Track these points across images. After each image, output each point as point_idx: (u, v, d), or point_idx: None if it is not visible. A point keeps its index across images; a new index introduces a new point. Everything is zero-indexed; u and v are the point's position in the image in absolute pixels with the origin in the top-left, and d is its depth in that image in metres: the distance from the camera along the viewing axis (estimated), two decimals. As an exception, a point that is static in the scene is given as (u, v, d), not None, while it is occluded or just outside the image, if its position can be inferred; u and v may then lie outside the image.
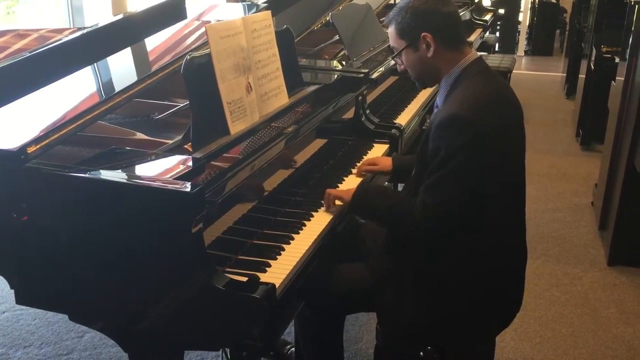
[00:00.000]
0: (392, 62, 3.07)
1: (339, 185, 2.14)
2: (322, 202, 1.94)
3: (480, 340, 1.81)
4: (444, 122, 1.63)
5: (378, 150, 2.50)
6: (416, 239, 1.73)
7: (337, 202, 1.92)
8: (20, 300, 1.60)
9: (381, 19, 4.10)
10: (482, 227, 1.69)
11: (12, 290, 1.61)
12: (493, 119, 1.64)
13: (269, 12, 2.06)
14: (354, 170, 2.25)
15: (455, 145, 1.60)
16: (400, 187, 3.45)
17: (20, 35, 2.49)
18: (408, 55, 1.80)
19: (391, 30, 1.81)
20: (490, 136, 1.62)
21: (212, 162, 1.66)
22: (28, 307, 2.34)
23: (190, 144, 1.70)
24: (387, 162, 2.22)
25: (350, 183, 2.15)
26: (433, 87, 3.53)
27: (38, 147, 1.54)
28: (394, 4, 4.92)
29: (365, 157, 2.41)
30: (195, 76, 1.72)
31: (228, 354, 1.98)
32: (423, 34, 1.72)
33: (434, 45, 1.73)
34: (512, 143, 1.73)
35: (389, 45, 3.33)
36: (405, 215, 1.70)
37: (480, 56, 1.79)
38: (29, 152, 1.51)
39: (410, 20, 1.74)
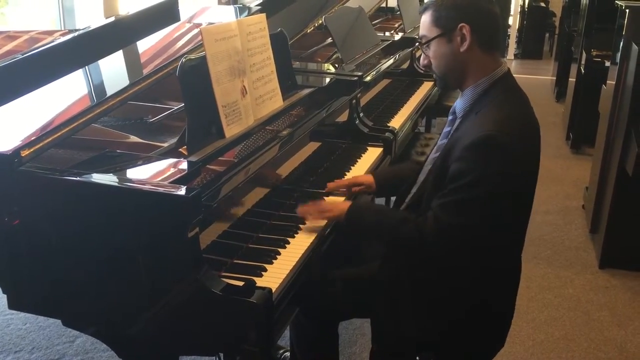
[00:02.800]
0: (386, 65, 3.09)
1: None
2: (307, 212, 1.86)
3: (475, 350, 1.79)
4: (478, 143, 1.52)
5: (372, 154, 2.49)
6: (418, 255, 1.69)
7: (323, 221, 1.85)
8: (12, 305, 1.59)
9: (373, 22, 4.10)
10: (488, 247, 1.63)
11: (4, 295, 1.59)
12: (526, 145, 1.58)
13: (263, 15, 2.05)
14: (328, 187, 2.10)
15: (487, 170, 1.52)
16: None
17: (11, 36, 2.47)
18: (439, 46, 1.68)
19: (425, 18, 1.70)
20: (522, 164, 1.56)
21: (208, 166, 1.65)
22: (19, 312, 2.32)
23: (185, 147, 1.69)
24: (369, 180, 2.08)
25: (338, 196, 2.10)
26: (427, 91, 3.57)
27: (31, 150, 1.52)
28: (386, 7, 4.95)
29: (356, 164, 2.39)
30: (190, 79, 1.71)
31: (221, 358, 1.97)
32: (461, 24, 1.62)
33: (470, 39, 1.62)
34: (535, 167, 1.68)
35: (383, 48, 3.37)
36: (413, 234, 1.62)
37: (509, 69, 1.71)
38: (23, 155, 1.50)
39: (451, 8, 1.64)
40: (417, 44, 1.80)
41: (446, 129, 1.77)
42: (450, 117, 1.77)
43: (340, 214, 1.79)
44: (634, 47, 3.16)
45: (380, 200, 3.73)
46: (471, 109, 1.67)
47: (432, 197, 1.64)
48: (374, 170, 2.38)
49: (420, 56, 1.82)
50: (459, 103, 1.73)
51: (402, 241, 1.68)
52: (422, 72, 3.82)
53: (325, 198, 2.03)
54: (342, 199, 2.03)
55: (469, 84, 1.69)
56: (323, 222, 1.85)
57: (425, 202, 1.69)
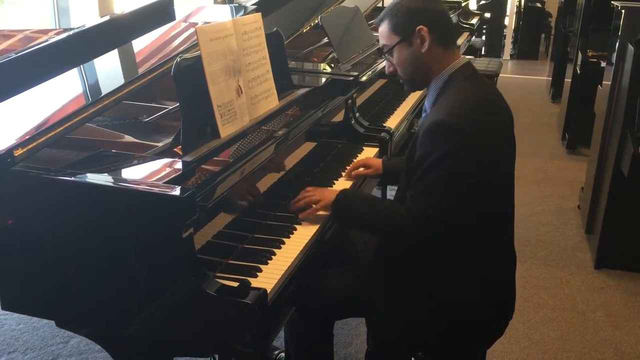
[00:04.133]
0: (382, 65, 3.08)
1: (329, 188, 2.12)
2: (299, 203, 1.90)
3: (472, 349, 1.79)
4: (431, 128, 1.61)
5: (368, 154, 2.49)
6: (407, 246, 1.71)
7: (320, 212, 1.88)
8: (6, 306, 1.58)
9: (370, 22, 4.10)
10: (471, 234, 1.67)
11: (-3, 296, 1.58)
12: (481, 125, 1.62)
13: (259, 15, 2.04)
14: (344, 174, 2.24)
15: (443, 151, 1.58)
16: (389, 189, 3.46)
17: (5, 35, 2.45)
18: (401, 52, 1.76)
19: (383, 28, 1.78)
20: (478, 142, 1.60)
21: (202, 166, 1.64)
22: (12, 312, 2.31)
23: (180, 147, 1.68)
24: (378, 164, 2.21)
25: (341, 187, 2.14)
26: (423, 91, 3.56)
27: (25, 150, 1.51)
28: (383, 7, 4.95)
29: (355, 160, 2.39)
30: (185, 79, 1.70)
31: (216, 359, 1.96)
32: (418, 27, 1.70)
33: (429, 39, 1.70)
34: (501, 148, 1.71)
35: (378, 48, 3.36)
36: (392, 222, 1.68)
37: (469, 60, 1.77)
38: (16, 155, 1.49)
39: (406, 15, 1.72)
40: (383, 54, 1.84)
41: None
42: (423, 115, 1.84)
43: (329, 203, 1.83)
44: (630, 47, 3.17)
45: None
46: (435, 102, 1.75)
47: (406, 186, 1.71)
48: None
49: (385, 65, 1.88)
50: (427, 100, 1.80)
51: (383, 229, 1.75)
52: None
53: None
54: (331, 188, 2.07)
55: (433, 80, 1.76)
56: (316, 214, 1.87)
57: (402, 192, 1.76)
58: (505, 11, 10.79)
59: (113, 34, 2.24)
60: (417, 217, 1.62)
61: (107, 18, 2.34)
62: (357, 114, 2.65)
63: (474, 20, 7.36)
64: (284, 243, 1.74)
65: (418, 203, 1.63)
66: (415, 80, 1.82)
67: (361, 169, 2.22)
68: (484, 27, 10.02)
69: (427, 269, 1.71)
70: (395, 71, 1.81)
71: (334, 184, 2.17)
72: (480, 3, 10.09)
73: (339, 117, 2.56)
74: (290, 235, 1.79)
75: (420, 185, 1.62)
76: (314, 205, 1.87)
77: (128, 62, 2.28)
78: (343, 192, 1.86)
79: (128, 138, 1.85)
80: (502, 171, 1.73)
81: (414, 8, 1.72)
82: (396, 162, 2.22)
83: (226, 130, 1.80)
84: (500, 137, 1.71)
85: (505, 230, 1.79)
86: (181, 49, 2.21)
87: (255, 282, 1.52)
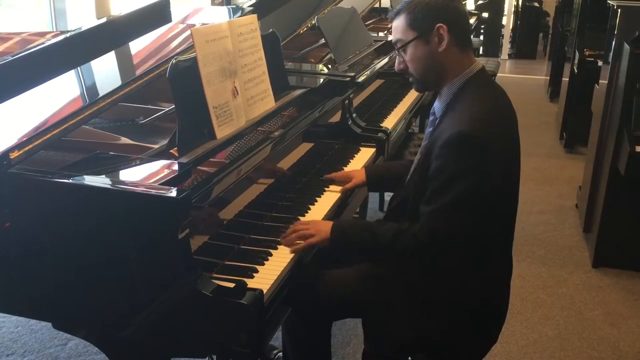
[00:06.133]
0: (379, 66, 3.09)
1: (326, 189, 2.13)
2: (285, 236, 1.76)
3: (468, 351, 1.79)
4: (452, 140, 1.56)
5: (365, 154, 2.49)
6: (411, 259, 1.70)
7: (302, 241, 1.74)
8: (2, 308, 1.58)
9: (367, 23, 4.11)
10: (478, 242, 1.65)
11: (-6, 298, 1.58)
12: (501, 136, 1.60)
13: (254, 16, 2.05)
14: (330, 188, 2.14)
15: (463, 166, 1.55)
16: (386, 194, 3.46)
17: (2, 38, 2.46)
18: (416, 49, 1.69)
19: (399, 22, 1.70)
20: (499, 154, 1.58)
21: (198, 167, 1.64)
22: (10, 315, 2.31)
23: (176, 148, 1.68)
24: (361, 175, 2.14)
25: (332, 195, 2.11)
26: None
27: (21, 152, 1.52)
28: (380, 8, 4.95)
29: (349, 165, 2.37)
30: (181, 80, 1.71)
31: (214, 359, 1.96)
32: (438, 24, 1.64)
33: (448, 38, 1.64)
34: (514, 158, 1.70)
35: (377, 48, 3.37)
36: (411, 246, 1.63)
37: (484, 66, 1.73)
38: (12, 157, 1.49)
39: (426, 10, 1.66)
40: (395, 50, 1.79)
41: (428, 129, 1.79)
42: (431, 118, 1.79)
43: (324, 237, 1.73)
44: (626, 46, 3.17)
45: (375, 198, 3.72)
46: (448, 107, 1.70)
47: (417, 199, 1.66)
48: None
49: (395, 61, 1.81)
50: (437, 103, 1.75)
51: (400, 254, 1.68)
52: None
53: (302, 219, 1.92)
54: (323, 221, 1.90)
55: (446, 84, 1.71)
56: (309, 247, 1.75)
57: (411, 204, 1.71)
58: (503, 11, 10.81)
59: (110, 35, 2.24)
60: (438, 234, 1.58)
61: (104, 20, 2.34)
62: (354, 115, 2.66)
63: (472, 20, 7.37)
64: (280, 244, 1.75)
65: (440, 220, 1.58)
66: (426, 81, 1.75)
67: (346, 184, 2.13)
68: (482, 26, 10.04)
69: (425, 270, 1.71)
70: (406, 68, 1.74)
71: (330, 186, 2.15)
72: (478, 3, 10.12)
73: (336, 117, 2.57)
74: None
75: (442, 200, 1.58)
76: (307, 240, 1.74)
77: (125, 63, 2.28)
78: (338, 225, 1.75)
79: (124, 140, 1.85)
80: (514, 176, 1.72)
81: (434, 4, 1.66)
82: (379, 168, 2.21)
83: (222, 132, 1.80)
84: (514, 147, 1.69)
85: (508, 236, 1.78)
86: (178, 50, 2.22)
87: (251, 283, 1.53)
